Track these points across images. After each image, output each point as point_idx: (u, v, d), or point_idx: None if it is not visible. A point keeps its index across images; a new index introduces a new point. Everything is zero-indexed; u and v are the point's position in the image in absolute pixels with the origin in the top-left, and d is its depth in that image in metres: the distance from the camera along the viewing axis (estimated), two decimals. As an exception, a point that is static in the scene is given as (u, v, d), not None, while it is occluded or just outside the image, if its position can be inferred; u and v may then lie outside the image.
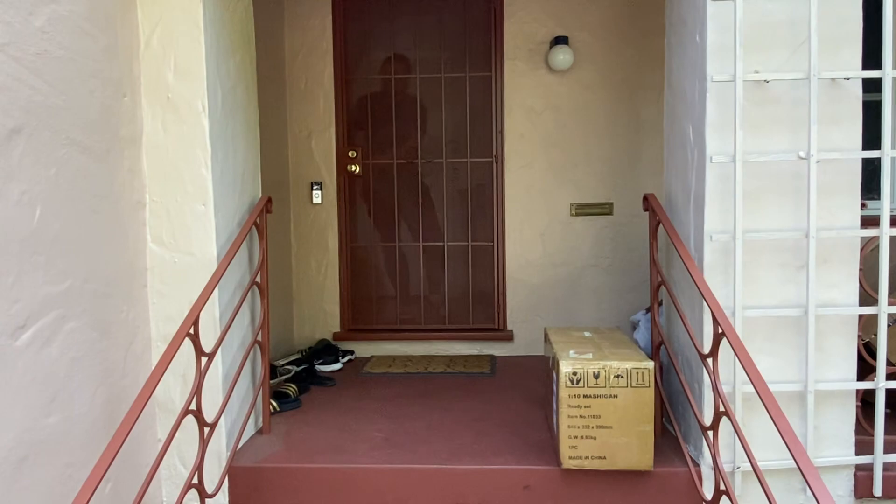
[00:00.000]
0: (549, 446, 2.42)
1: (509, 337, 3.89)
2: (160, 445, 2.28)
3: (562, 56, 3.71)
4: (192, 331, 1.94)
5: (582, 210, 3.88)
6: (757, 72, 2.11)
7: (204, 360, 2.02)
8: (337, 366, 3.61)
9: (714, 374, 1.95)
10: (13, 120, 1.63)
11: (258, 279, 2.54)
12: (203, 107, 2.25)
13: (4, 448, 1.59)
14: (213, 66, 2.30)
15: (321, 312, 3.99)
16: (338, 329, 4.00)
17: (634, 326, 3.81)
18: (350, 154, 3.86)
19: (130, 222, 2.19)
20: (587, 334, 2.59)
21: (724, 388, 2.00)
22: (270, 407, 2.69)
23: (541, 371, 3.43)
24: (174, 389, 2.28)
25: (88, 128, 1.95)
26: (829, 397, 2.19)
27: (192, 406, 1.94)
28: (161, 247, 2.28)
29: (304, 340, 3.97)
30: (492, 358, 3.80)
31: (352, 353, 3.84)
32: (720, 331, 1.89)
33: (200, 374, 1.98)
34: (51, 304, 1.77)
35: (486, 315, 3.93)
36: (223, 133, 2.37)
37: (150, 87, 2.25)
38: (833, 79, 2.10)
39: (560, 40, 3.72)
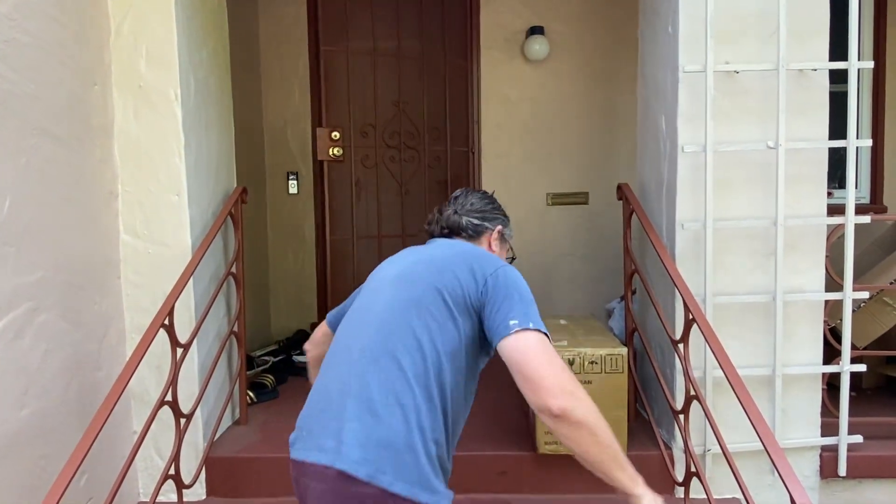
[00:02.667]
0: (525, 432, 2.45)
1: (486, 326, 3.91)
2: (136, 437, 2.26)
3: (537, 46, 3.72)
4: (166, 322, 1.93)
5: (558, 200, 3.92)
6: (728, 63, 2.15)
7: (179, 351, 2.01)
8: (315, 356, 3.60)
9: (685, 360, 1.99)
10: (-20, 108, 1.60)
11: (234, 270, 2.53)
12: (175, 96, 2.22)
13: (-24, 441, 1.57)
14: (186, 55, 2.27)
15: (299, 303, 3.98)
16: (315, 319, 3.99)
17: (609, 314, 3.86)
18: (333, 136, 3.80)
19: (103, 213, 2.16)
20: (562, 322, 2.62)
21: (695, 373, 2.04)
22: (248, 398, 2.69)
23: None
24: (149, 381, 2.27)
25: (58, 117, 1.92)
26: (797, 381, 2.25)
27: (168, 397, 1.93)
28: (134, 237, 2.26)
29: (282, 331, 3.95)
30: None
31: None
32: (691, 317, 1.93)
33: (176, 366, 1.97)
34: (22, 295, 1.74)
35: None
36: (196, 122, 2.35)
37: (121, 76, 2.22)
38: (801, 69, 2.14)
39: (536, 30, 3.74)
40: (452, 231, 1.68)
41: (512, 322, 1.28)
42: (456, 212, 1.68)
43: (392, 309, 1.36)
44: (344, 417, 1.28)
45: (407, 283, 1.40)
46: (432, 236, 1.71)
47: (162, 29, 2.20)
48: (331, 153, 3.73)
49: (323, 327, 1.73)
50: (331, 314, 1.71)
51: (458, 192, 1.76)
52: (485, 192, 1.78)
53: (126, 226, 2.26)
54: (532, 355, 1.24)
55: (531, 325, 1.27)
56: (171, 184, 2.25)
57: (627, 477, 1.23)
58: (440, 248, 1.54)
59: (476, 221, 1.68)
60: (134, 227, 2.26)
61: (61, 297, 1.92)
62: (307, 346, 1.79)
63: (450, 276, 1.37)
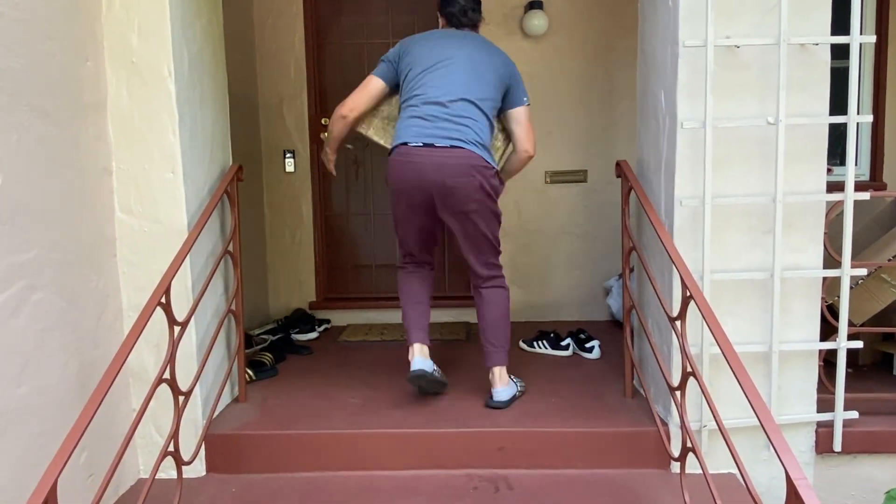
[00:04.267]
0: (521, 410, 2.47)
1: (485, 304, 3.91)
2: (135, 415, 2.27)
3: (536, 21, 3.67)
4: (163, 300, 1.93)
5: (556, 177, 3.89)
6: (728, 37, 2.12)
7: (177, 329, 2.00)
8: (313, 335, 3.61)
9: (682, 336, 1.99)
10: (-31, 84, 1.58)
11: (230, 248, 2.52)
12: (169, 71, 2.19)
13: (-26, 419, 1.57)
14: (179, 30, 2.24)
15: (297, 282, 3.98)
16: (313, 298, 3.99)
17: (608, 292, 3.87)
18: (324, 122, 3.80)
19: (97, 190, 2.14)
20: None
21: (692, 350, 2.05)
22: (247, 376, 2.70)
23: (516, 337, 3.47)
24: (147, 359, 2.27)
25: (50, 93, 1.89)
26: (793, 357, 2.26)
27: (166, 375, 1.93)
28: (129, 215, 2.25)
29: (280, 310, 3.96)
30: (467, 325, 3.83)
31: (328, 321, 3.84)
32: (688, 294, 1.93)
33: (173, 344, 1.97)
34: (16, 274, 1.73)
35: (462, 282, 3.95)
36: (191, 99, 2.32)
37: (113, 51, 2.19)
38: (802, 44, 2.12)
39: (535, 5, 3.68)
40: (474, 26, 2.56)
41: (524, 98, 2.51)
42: (475, 9, 2.54)
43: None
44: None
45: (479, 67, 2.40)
46: (460, 26, 2.53)
47: (154, 3, 2.16)
48: (323, 136, 3.73)
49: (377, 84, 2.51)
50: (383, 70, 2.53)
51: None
52: None
53: (121, 203, 2.24)
54: (529, 122, 2.52)
55: (527, 101, 2.51)
56: (165, 161, 2.23)
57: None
58: (483, 47, 2.46)
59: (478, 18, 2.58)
60: (129, 204, 2.24)
61: (57, 275, 1.91)
62: (347, 110, 2.50)
63: (500, 63, 2.45)
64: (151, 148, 2.22)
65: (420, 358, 2.47)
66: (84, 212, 2.07)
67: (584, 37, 3.80)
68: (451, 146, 2.30)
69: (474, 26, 2.56)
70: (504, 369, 2.53)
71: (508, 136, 2.57)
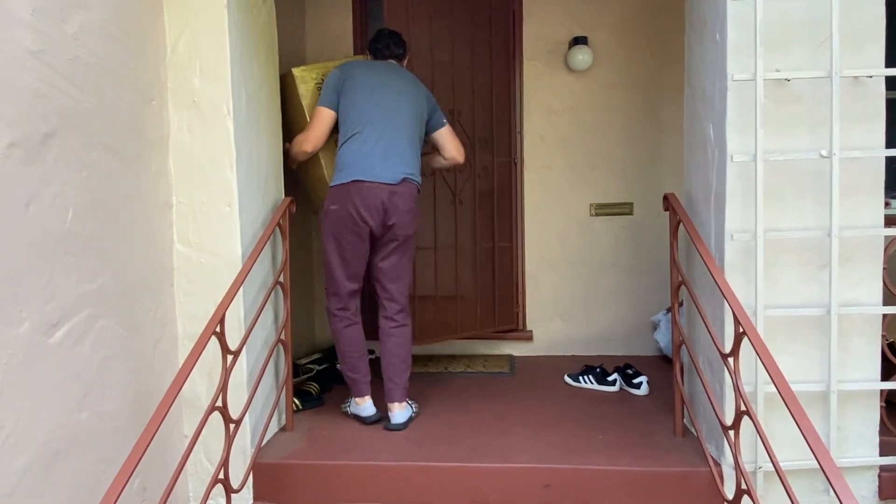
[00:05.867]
0: (568, 445, 2.43)
1: (529, 337, 3.90)
2: (187, 441, 2.33)
3: (581, 56, 3.71)
4: (218, 329, 1.99)
5: (601, 210, 3.88)
6: (778, 70, 2.11)
7: (230, 357, 2.06)
8: (358, 365, 3.64)
9: (735, 374, 1.95)
10: (47, 125, 1.68)
11: (281, 279, 2.58)
12: (228, 110, 2.29)
13: (39, 442, 1.64)
14: (238, 70, 2.34)
15: (342, 312, 4.02)
16: (358, 329, 4.03)
17: (655, 326, 3.80)
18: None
19: (158, 223, 2.24)
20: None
21: (746, 388, 1.99)
22: (294, 405, 2.73)
23: (561, 371, 3.44)
24: (200, 387, 2.33)
25: (118, 131, 2.00)
26: (853, 397, 2.17)
27: (219, 403, 1.98)
28: (187, 247, 2.33)
29: (326, 340, 4.01)
30: (511, 358, 3.81)
31: (372, 352, 3.86)
32: (741, 330, 1.89)
33: (226, 372, 2.02)
34: (83, 302, 1.82)
35: (506, 315, 3.94)
36: (247, 135, 2.42)
37: (176, 91, 2.31)
38: (855, 77, 2.08)
39: (579, 40, 3.72)
40: (397, 58, 2.86)
41: (444, 120, 2.85)
42: (398, 45, 2.86)
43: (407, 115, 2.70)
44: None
45: (406, 100, 2.70)
46: (385, 58, 2.83)
47: (215, 45, 2.28)
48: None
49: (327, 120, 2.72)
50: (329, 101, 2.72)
51: (386, 31, 2.88)
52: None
53: (180, 236, 2.33)
54: (453, 137, 2.87)
55: (446, 122, 2.85)
56: (222, 195, 2.32)
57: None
58: (407, 79, 2.77)
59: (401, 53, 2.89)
60: (187, 236, 2.33)
61: (119, 304, 1.99)
62: (311, 147, 2.74)
63: (423, 100, 2.77)
64: (210, 182, 2.31)
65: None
66: (145, 244, 2.16)
67: (629, 70, 3.81)
68: (402, 180, 2.61)
69: (398, 59, 2.85)
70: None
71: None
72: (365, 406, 2.71)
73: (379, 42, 2.84)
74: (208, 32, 2.27)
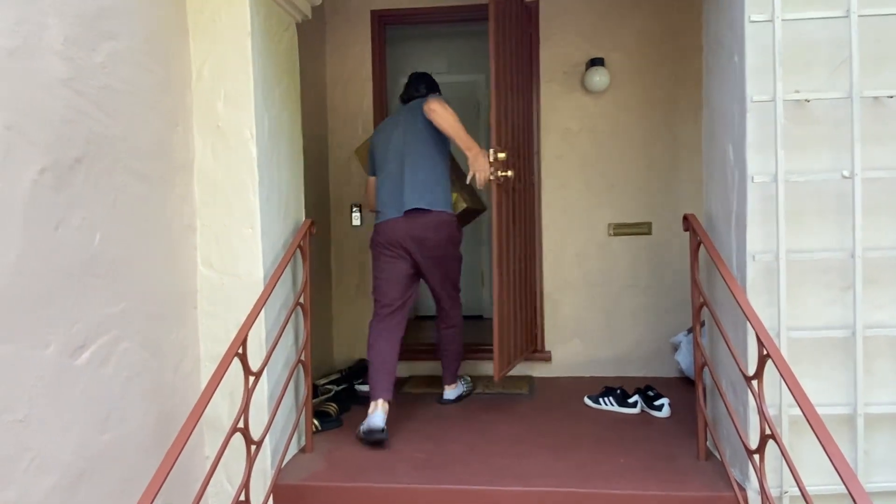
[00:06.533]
0: (590, 468, 2.40)
1: (548, 358, 3.87)
2: (208, 463, 2.34)
3: (598, 77, 3.73)
4: (240, 350, 2.00)
5: (620, 230, 3.87)
6: (797, 91, 2.10)
7: (251, 379, 2.07)
8: (376, 386, 3.64)
9: (759, 397, 1.92)
10: (76, 150, 1.73)
11: (302, 300, 2.60)
12: (251, 134, 2.34)
13: (64, 463, 1.66)
14: (261, 96, 2.39)
15: (360, 333, 4.03)
16: (377, 349, 4.03)
17: (675, 348, 3.76)
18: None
19: (182, 246, 2.28)
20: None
21: (770, 411, 1.97)
22: (313, 426, 2.74)
23: (580, 392, 3.41)
24: (221, 408, 2.35)
25: (144, 156, 2.05)
26: (880, 421, 2.13)
27: (240, 424, 1.99)
28: (210, 269, 2.37)
29: (344, 361, 4.02)
30: (530, 379, 3.79)
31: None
32: (765, 352, 1.87)
33: (248, 393, 2.03)
34: (108, 324, 1.85)
35: (525, 336, 3.92)
36: (269, 159, 2.46)
37: (200, 117, 2.36)
38: (876, 97, 2.08)
39: (596, 62, 3.74)
40: (424, 97, 3.04)
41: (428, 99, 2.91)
42: (419, 86, 3.17)
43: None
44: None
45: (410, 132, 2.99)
46: (406, 102, 3.16)
47: (239, 71, 2.33)
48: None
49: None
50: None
51: (414, 75, 3.24)
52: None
53: (203, 258, 2.37)
54: (437, 104, 2.84)
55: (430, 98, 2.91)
56: (245, 218, 2.35)
57: (468, 139, 2.84)
58: (411, 112, 3.01)
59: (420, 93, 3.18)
60: (210, 259, 2.37)
61: (143, 326, 2.02)
62: (369, 207, 3.26)
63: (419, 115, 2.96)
64: (233, 206, 2.35)
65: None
66: (169, 266, 2.19)
67: (646, 91, 3.82)
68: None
69: (423, 97, 3.04)
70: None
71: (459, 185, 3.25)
72: (374, 415, 2.71)
73: (403, 90, 3.21)
74: (232, 59, 2.33)
